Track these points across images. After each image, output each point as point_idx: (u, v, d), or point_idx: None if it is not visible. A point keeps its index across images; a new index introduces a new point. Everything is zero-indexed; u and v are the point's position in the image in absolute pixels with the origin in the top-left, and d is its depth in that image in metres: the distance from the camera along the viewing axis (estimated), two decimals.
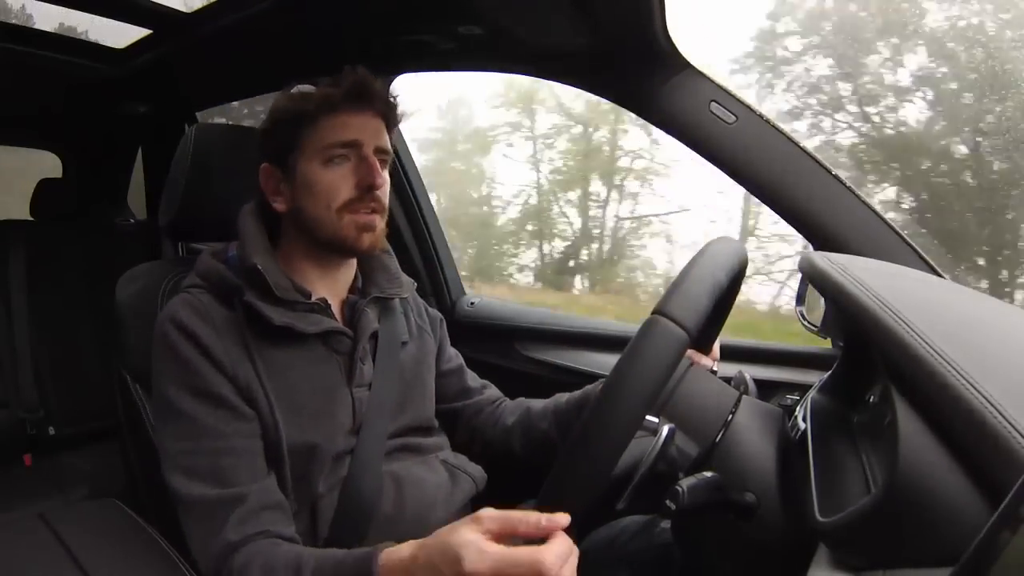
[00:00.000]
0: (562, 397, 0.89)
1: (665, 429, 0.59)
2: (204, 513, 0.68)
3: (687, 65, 0.94)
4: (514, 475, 0.87)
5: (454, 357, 0.98)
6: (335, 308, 0.82)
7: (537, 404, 0.92)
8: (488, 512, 0.54)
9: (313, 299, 0.78)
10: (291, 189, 0.79)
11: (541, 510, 0.53)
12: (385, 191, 0.79)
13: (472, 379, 0.99)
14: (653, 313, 0.53)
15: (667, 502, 0.55)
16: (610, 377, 0.53)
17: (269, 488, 0.71)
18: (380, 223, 0.79)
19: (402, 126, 0.89)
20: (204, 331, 0.72)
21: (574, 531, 0.57)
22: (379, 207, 0.78)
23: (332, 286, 0.83)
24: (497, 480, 0.89)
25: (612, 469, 0.53)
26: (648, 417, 0.59)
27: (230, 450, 0.70)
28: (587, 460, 0.52)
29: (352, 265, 0.85)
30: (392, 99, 0.81)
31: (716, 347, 0.85)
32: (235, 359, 0.72)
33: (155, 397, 0.75)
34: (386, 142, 0.80)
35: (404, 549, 0.58)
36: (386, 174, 0.80)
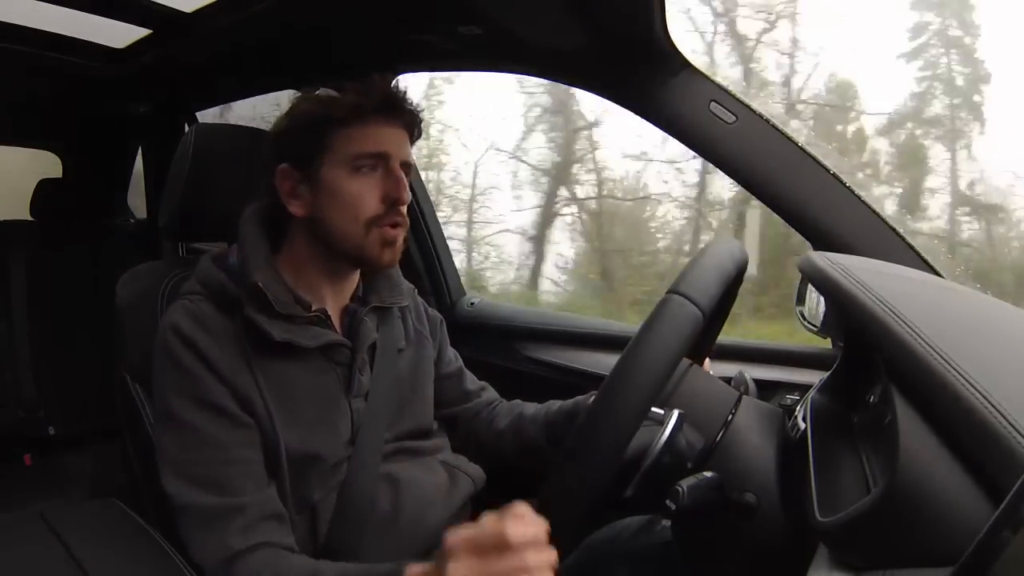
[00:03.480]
0: (554, 405, 0.89)
1: (674, 415, 0.60)
2: (204, 519, 0.68)
3: (687, 65, 0.94)
4: (513, 475, 0.87)
5: (453, 360, 0.97)
6: (334, 316, 0.81)
7: (530, 408, 0.92)
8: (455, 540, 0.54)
9: (314, 309, 0.77)
10: (312, 195, 0.77)
11: (546, 497, 0.54)
12: (408, 206, 0.79)
13: (471, 382, 0.98)
14: (667, 293, 0.55)
15: (667, 502, 0.56)
16: (625, 351, 0.53)
17: (270, 498, 0.71)
18: (401, 238, 0.79)
19: None
20: (204, 340, 0.72)
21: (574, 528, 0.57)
22: (403, 221, 0.78)
23: (336, 295, 0.82)
24: (497, 480, 0.89)
25: (627, 442, 0.53)
26: (654, 409, 0.60)
27: (231, 459, 0.70)
28: (602, 432, 0.52)
29: (357, 274, 0.84)
30: (418, 112, 0.80)
31: (707, 362, 0.85)
32: (234, 369, 0.72)
33: (156, 405, 0.75)
34: (410, 155, 0.79)
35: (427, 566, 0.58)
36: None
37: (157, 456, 0.73)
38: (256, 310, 0.73)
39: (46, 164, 2.03)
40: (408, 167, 0.79)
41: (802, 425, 0.62)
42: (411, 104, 0.79)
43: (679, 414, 0.60)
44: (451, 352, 0.98)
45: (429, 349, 0.92)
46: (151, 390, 0.77)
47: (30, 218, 1.87)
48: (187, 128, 1.78)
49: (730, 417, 0.65)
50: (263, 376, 0.73)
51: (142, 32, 1.26)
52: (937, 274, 0.85)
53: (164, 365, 0.73)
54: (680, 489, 0.55)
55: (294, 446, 0.73)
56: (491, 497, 0.82)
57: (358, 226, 0.75)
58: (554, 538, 0.58)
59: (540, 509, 0.57)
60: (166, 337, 0.73)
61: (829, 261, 0.60)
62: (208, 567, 0.67)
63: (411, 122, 0.79)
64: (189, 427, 0.70)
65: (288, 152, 0.78)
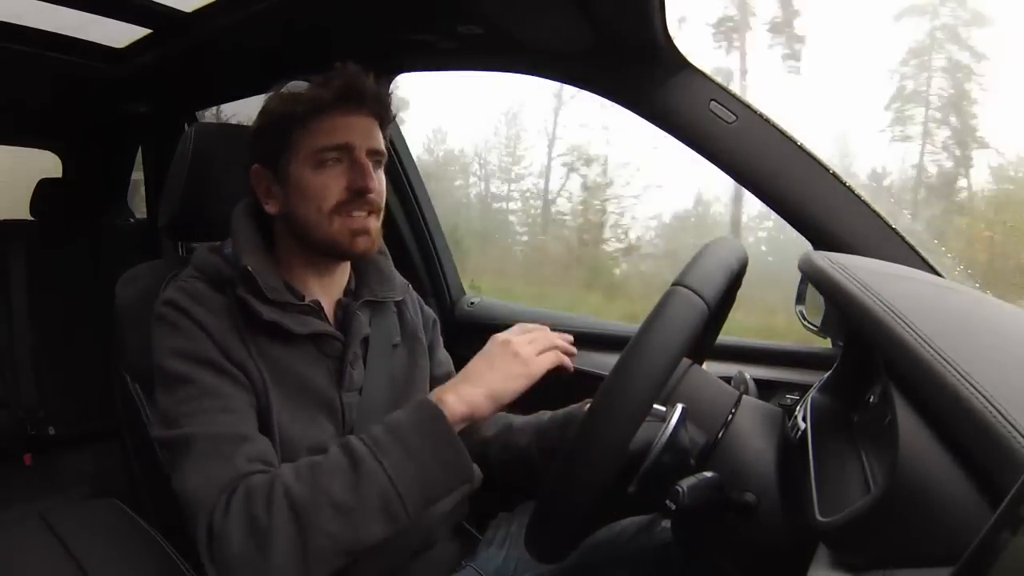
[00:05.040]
0: (544, 415, 0.88)
1: (678, 409, 0.60)
2: (210, 447, 0.66)
3: (687, 64, 0.94)
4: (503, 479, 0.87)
5: (444, 362, 0.96)
6: (328, 310, 0.81)
7: (518, 419, 0.91)
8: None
9: (306, 301, 0.77)
10: (283, 193, 0.78)
11: (550, 491, 0.55)
12: (380, 192, 0.78)
13: None
14: (673, 285, 0.56)
15: (667, 502, 0.55)
16: (631, 342, 0.54)
17: (270, 446, 0.70)
18: (375, 225, 0.78)
19: None
20: (198, 311, 0.73)
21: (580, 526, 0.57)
22: (373, 208, 0.77)
23: (326, 288, 0.82)
24: (495, 479, 0.89)
25: (633, 432, 0.53)
26: (656, 406, 0.60)
27: (233, 408, 0.69)
28: (607, 423, 0.52)
29: (346, 267, 0.84)
30: (384, 98, 0.79)
31: (705, 364, 0.85)
32: (228, 338, 0.72)
33: (155, 373, 0.73)
34: (379, 143, 0.78)
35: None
36: (380, 174, 0.79)
37: (154, 415, 0.73)
38: (247, 292, 0.74)
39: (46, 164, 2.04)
40: (378, 155, 0.78)
41: (802, 425, 0.62)
42: (374, 92, 0.78)
43: (682, 408, 0.60)
44: (442, 354, 0.97)
45: (424, 346, 0.91)
46: (151, 389, 0.77)
47: (30, 218, 1.88)
48: (187, 128, 1.78)
49: (730, 417, 0.64)
50: (257, 351, 0.73)
51: (142, 32, 1.26)
52: (937, 274, 0.85)
53: (161, 333, 0.73)
54: (680, 489, 0.55)
55: (284, 422, 0.73)
56: (488, 496, 0.82)
57: (323, 216, 0.76)
58: (556, 536, 0.58)
59: (543, 503, 0.57)
60: (161, 311, 0.74)
61: (829, 261, 0.60)
62: (208, 492, 0.63)
63: (378, 110, 0.78)
64: (188, 381, 0.70)
65: (259, 152, 0.79)
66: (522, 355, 0.69)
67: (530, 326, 0.73)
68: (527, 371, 0.69)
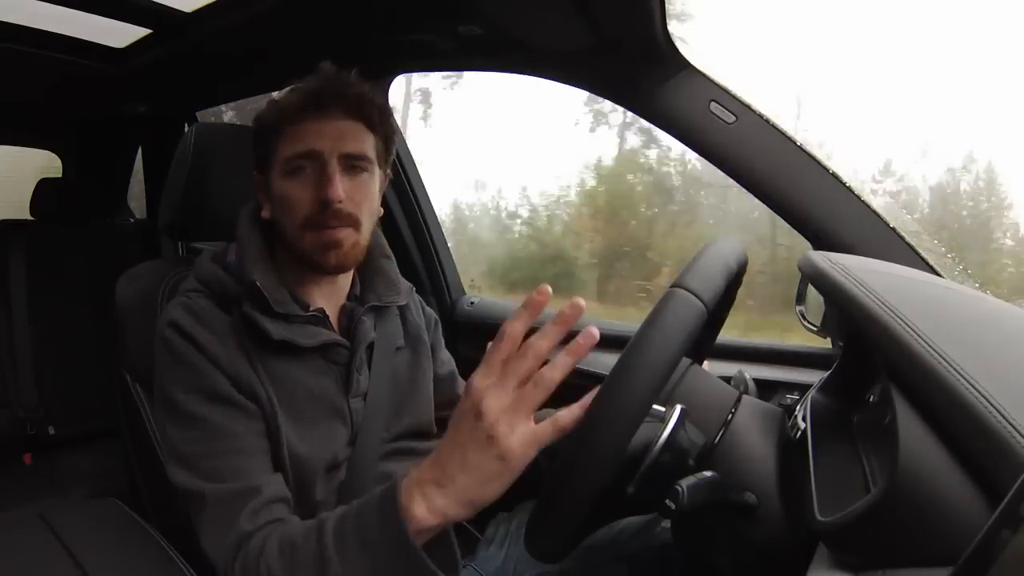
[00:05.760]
0: (547, 413, 0.88)
1: (677, 410, 0.60)
2: (219, 507, 0.67)
3: (687, 65, 0.94)
4: None
5: (447, 363, 0.96)
6: (332, 316, 0.81)
7: None
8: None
9: (311, 310, 0.77)
10: (271, 200, 0.78)
11: (548, 494, 0.55)
12: (356, 201, 0.75)
13: (461, 387, 0.96)
14: (671, 287, 0.56)
15: (667, 502, 0.55)
16: (629, 345, 0.54)
17: (278, 481, 0.70)
18: (350, 237, 0.75)
19: None
20: (203, 335, 0.72)
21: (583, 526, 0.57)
22: (345, 221, 0.74)
23: (330, 294, 0.81)
24: None
25: (631, 435, 0.53)
26: (655, 406, 0.60)
27: (243, 448, 0.69)
28: (606, 425, 0.52)
29: (349, 273, 0.84)
30: (370, 97, 0.76)
31: (706, 362, 0.84)
32: (235, 362, 0.72)
33: (160, 401, 0.74)
34: (358, 146, 0.75)
35: (423, 463, 0.59)
36: (363, 179, 0.76)
37: (162, 451, 0.73)
38: (254, 307, 0.73)
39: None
40: (358, 159, 0.75)
41: (802, 425, 0.62)
42: (356, 93, 0.75)
43: (681, 409, 0.60)
44: (445, 354, 0.97)
45: (427, 347, 0.91)
46: (151, 389, 0.77)
47: (30, 218, 1.87)
48: (187, 128, 1.78)
49: (730, 416, 0.64)
50: (264, 371, 0.73)
51: (142, 32, 1.26)
52: (937, 274, 0.85)
53: (165, 360, 0.73)
54: (680, 489, 0.55)
55: (294, 443, 0.73)
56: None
57: (296, 230, 0.75)
58: (556, 536, 0.58)
59: (543, 503, 0.57)
60: (165, 333, 0.73)
61: (829, 261, 0.60)
62: (220, 553, 0.65)
63: (360, 111, 0.75)
64: (197, 419, 0.69)
65: (255, 159, 0.79)
66: (499, 441, 0.55)
67: (508, 357, 0.59)
68: (507, 467, 0.56)
